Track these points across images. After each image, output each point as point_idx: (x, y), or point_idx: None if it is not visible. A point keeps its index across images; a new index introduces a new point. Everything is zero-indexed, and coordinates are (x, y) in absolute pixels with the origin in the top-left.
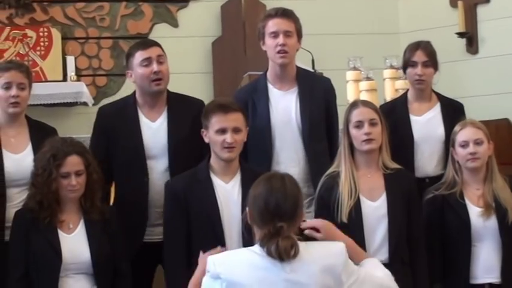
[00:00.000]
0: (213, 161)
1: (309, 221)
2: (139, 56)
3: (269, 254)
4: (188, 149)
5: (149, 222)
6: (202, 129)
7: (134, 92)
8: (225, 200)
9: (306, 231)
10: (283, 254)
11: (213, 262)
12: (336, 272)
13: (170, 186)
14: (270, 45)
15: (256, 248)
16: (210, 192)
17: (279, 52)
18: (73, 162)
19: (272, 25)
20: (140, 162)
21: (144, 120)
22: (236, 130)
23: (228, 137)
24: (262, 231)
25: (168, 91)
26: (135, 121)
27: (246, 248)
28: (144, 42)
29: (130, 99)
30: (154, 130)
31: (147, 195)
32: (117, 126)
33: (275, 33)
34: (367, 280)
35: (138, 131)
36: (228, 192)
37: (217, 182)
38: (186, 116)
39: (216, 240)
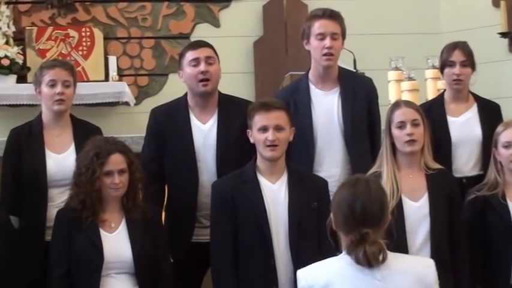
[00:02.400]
0: (259, 161)
1: None
2: (189, 56)
3: (357, 261)
4: (237, 151)
5: (198, 223)
6: (248, 130)
7: (186, 94)
8: (272, 201)
9: None
10: (372, 259)
11: (304, 277)
12: (428, 283)
13: (217, 187)
14: (315, 46)
15: (344, 256)
16: (256, 193)
17: (325, 55)
18: (116, 161)
19: (319, 26)
20: (190, 163)
21: (195, 122)
22: (278, 128)
23: (270, 135)
24: (348, 238)
25: (219, 93)
26: (186, 123)
27: (334, 257)
28: (195, 42)
29: (182, 101)
30: (204, 132)
31: (197, 196)
32: (168, 128)
33: (322, 35)
34: None
35: (189, 133)
36: (274, 193)
37: (263, 182)
38: (235, 117)
39: (263, 241)
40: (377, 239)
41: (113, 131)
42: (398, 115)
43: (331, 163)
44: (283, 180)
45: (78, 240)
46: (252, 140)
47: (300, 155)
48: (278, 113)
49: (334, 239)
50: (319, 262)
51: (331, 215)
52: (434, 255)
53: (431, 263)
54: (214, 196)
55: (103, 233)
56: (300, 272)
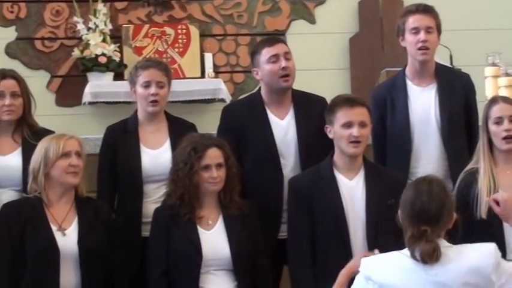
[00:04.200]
0: (337, 157)
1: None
2: (266, 53)
3: (413, 256)
4: (316, 146)
5: (284, 219)
6: (326, 125)
7: (259, 90)
8: (350, 197)
9: (487, 200)
10: (426, 257)
11: (366, 264)
12: (485, 272)
13: (294, 184)
14: (410, 41)
15: (406, 250)
16: (334, 189)
17: (420, 49)
18: (214, 155)
19: (413, 21)
20: (273, 159)
21: (272, 118)
22: (362, 124)
23: (355, 131)
24: (409, 233)
25: (292, 89)
26: (264, 118)
27: (397, 251)
28: (270, 39)
29: (257, 97)
30: (283, 127)
31: (282, 192)
32: (246, 123)
33: (416, 29)
34: None
35: (269, 128)
36: (352, 189)
37: (340, 178)
38: (311, 113)
39: (340, 237)
40: (434, 238)
41: (209, 128)
42: (496, 111)
43: (428, 159)
44: (361, 176)
45: (177, 239)
46: (331, 136)
47: (396, 151)
48: (362, 109)
49: (401, 235)
50: (383, 254)
51: (399, 212)
52: None
53: (489, 251)
54: (290, 193)
55: (201, 231)
56: (364, 260)
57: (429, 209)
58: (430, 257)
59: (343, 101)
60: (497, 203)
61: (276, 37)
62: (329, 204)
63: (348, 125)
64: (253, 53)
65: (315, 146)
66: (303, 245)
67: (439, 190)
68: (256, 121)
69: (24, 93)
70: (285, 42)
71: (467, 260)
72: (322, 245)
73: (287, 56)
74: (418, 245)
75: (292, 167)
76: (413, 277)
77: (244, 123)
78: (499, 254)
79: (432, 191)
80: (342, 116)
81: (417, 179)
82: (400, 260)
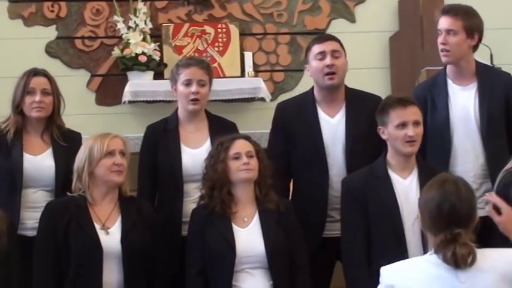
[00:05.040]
0: (391, 156)
1: (498, 198)
2: (315, 49)
3: (445, 261)
4: (366, 145)
5: (329, 217)
6: (379, 127)
7: (313, 88)
8: (404, 196)
9: (488, 208)
10: (461, 261)
11: (387, 272)
12: None
13: (348, 184)
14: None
15: (430, 256)
16: (388, 189)
17: (441, 51)
18: (242, 144)
19: (439, 22)
20: (320, 158)
21: (323, 116)
22: (416, 123)
23: (410, 131)
24: (438, 238)
25: (346, 87)
26: (314, 117)
27: (420, 257)
28: (321, 36)
29: (309, 95)
30: (333, 126)
31: (327, 191)
32: (295, 121)
33: (439, 31)
34: None
35: (317, 127)
36: (406, 188)
37: (395, 177)
38: (363, 111)
39: (396, 236)
40: (467, 241)
41: (249, 126)
42: None
43: (467, 158)
44: (414, 175)
45: (211, 237)
46: (384, 137)
47: (436, 149)
48: (414, 108)
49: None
50: (404, 261)
51: (418, 214)
52: None
53: None
54: (344, 192)
55: (236, 228)
56: (384, 268)
57: (460, 210)
58: (465, 261)
59: (396, 102)
60: (497, 210)
61: (328, 35)
62: (384, 203)
63: (403, 125)
64: (306, 50)
65: (365, 144)
66: (359, 244)
67: (467, 190)
68: (306, 119)
69: (55, 93)
70: (337, 40)
71: (496, 267)
72: (378, 244)
73: (335, 54)
74: (450, 249)
75: (339, 166)
76: (439, 285)
77: (294, 121)
78: None
79: (460, 191)
80: (395, 116)
81: (437, 179)
82: (425, 266)
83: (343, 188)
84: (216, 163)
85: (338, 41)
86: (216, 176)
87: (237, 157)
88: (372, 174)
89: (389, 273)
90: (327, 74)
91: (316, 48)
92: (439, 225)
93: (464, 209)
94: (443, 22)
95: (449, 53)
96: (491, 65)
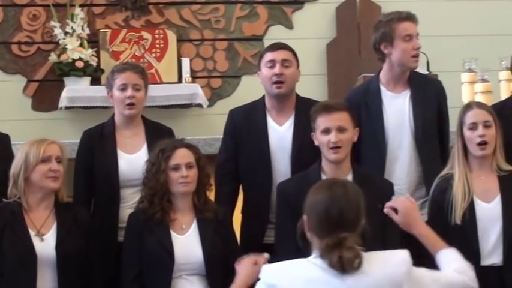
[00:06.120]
0: (324, 163)
1: (391, 202)
2: (266, 57)
3: (331, 265)
4: (311, 153)
5: (270, 224)
6: (312, 133)
7: (264, 95)
8: None
9: (385, 210)
10: (347, 265)
11: (269, 271)
12: (398, 282)
13: (282, 188)
14: (404, 48)
15: (315, 259)
16: None
17: (414, 56)
18: (183, 154)
19: (404, 28)
20: (265, 165)
21: (271, 124)
22: (341, 129)
23: (332, 137)
24: (323, 242)
25: (297, 95)
26: (263, 124)
27: (305, 259)
28: (274, 44)
29: (260, 103)
30: (280, 133)
31: (270, 197)
32: (245, 128)
33: (407, 36)
34: (431, 283)
35: (265, 134)
36: None
37: None
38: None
39: None
40: (353, 244)
41: (186, 132)
42: (470, 116)
43: (402, 165)
44: None
45: (149, 243)
46: (316, 143)
47: (371, 156)
48: (340, 114)
49: (304, 241)
50: (286, 262)
51: (304, 217)
52: (506, 256)
53: (401, 259)
54: (278, 197)
55: (174, 235)
56: (266, 267)
57: (348, 214)
58: (351, 265)
59: (321, 108)
60: (395, 210)
61: (281, 43)
62: None
63: (326, 131)
64: (260, 56)
65: (311, 153)
66: (290, 247)
67: (355, 193)
68: (255, 126)
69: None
70: (290, 49)
71: (381, 270)
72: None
73: (285, 63)
74: (336, 252)
75: (285, 173)
76: (324, 286)
77: (243, 127)
78: (411, 261)
79: (349, 194)
80: (320, 122)
81: (326, 181)
82: (309, 269)
83: (278, 192)
84: (158, 173)
85: (291, 50)
86: (158, 185)
87: (176, 168)
88: (306, 179)
89: (271, 273)
90: (275, 82)
91: (267, 56)
92: (326, 229)
93: (352, 212)
94: (412, 27)
95: (419, 57)
96: (428, 72)
